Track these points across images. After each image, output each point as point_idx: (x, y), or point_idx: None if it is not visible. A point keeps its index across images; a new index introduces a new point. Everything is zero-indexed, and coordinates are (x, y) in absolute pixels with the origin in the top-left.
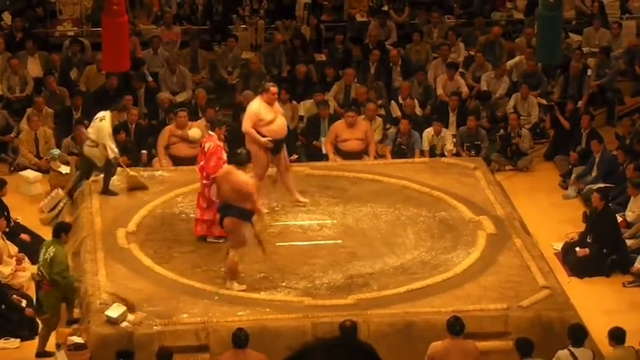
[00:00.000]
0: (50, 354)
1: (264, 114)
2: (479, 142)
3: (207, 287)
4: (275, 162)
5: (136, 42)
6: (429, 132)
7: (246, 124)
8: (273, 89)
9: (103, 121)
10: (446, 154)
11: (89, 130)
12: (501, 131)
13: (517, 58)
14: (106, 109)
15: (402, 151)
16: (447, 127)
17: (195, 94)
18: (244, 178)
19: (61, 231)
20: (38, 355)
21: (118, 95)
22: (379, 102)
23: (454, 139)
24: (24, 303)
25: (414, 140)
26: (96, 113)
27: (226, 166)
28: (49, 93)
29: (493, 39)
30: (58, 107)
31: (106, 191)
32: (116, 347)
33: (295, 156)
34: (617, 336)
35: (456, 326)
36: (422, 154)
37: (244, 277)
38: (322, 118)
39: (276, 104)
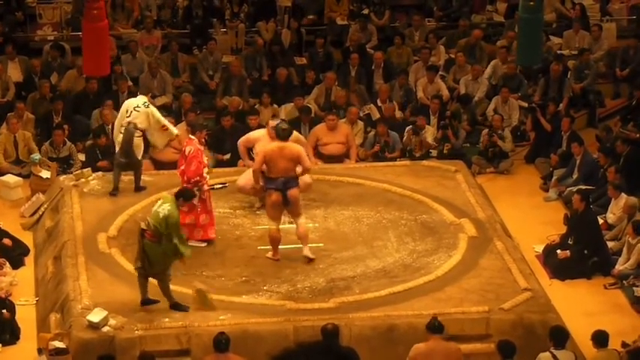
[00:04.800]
0: (155, 302)
1: (258, 146)
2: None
3: (188, 291)
4: None
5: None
6: (408, 129)
7: (241, 141)
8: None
9: (150, 106)
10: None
11: (135, 121)
12: (487, 129)
13: (493, 62)
14: (84, 114)
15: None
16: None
17: (180, 99)
18: (297, 146)
19: (182, 196)
20: (143, 302)
21: (98, 99)
22: (366, 106)
23: (435, 142)
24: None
25: (393, 141)
26: (75, 117)
27: (274, 144)
28: (40, 96)
29: (473, 42)
30: (43, 111)
31: (138, 188)
32: (98, 352)
33: None
34: (600, 339)
35: (434, 323)
36: (402, 153)
37: (225, 282)
38: (303, 123)
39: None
